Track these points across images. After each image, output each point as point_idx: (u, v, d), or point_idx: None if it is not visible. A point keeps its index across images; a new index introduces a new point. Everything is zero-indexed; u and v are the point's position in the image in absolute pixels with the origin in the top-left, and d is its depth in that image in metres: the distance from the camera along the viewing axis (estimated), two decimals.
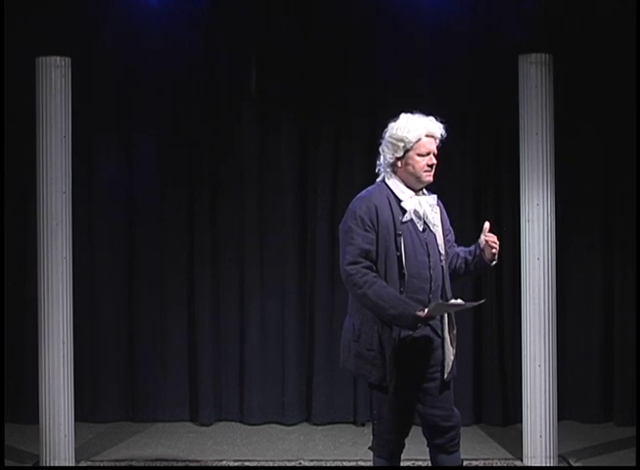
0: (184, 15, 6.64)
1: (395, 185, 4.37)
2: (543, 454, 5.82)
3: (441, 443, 4.39)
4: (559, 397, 5.92)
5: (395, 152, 4.35)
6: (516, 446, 6.09)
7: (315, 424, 6.83)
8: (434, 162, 4.34)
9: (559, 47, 5.97)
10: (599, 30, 6.58)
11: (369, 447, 4.46)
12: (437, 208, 4.43)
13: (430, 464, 4.53)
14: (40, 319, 5.82)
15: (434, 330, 4.32)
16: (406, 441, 4.41)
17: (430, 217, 4.35)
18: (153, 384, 6.90)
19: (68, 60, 5.85)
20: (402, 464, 4.52)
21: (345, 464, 6.00)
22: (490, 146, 6.81)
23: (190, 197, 6.90)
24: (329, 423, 6.82)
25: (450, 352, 4.34)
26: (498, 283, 6.77)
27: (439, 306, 4.19)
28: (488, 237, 4.31)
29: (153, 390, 6.90)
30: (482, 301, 4.40)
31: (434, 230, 4.35)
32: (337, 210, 6.87)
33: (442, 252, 4.35)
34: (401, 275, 4.23)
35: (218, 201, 6.90)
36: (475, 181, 6.84)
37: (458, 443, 4.44)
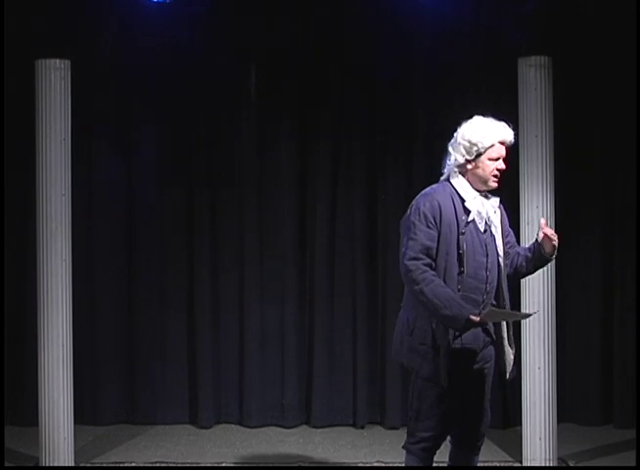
0: (183, 17, 6.63)
1: (460, 185, 4.40)
2: (543, 457, 5.83)
3: (466, 442, 4.50)
4: (558, 399, 5.92)
5: (467, 154, 4.37)
6: (515, 448, 6.08)
7: (315, 427, 6.82)
8: (503, 167, 4.40)
9: (558, 50, 5.97)
10: (598, 33, 6.58)
11: (402, 446, 4.50)
12: (499, 210, 4.49)
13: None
14: (40, 321, 5.82)
15: (485, 330, 4.38)
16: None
17: (492, 219, 4.41)
18: (152, 386, 6.90)
19: (67, 62, 5.85)
20: None
21: (345, 466, 6.00)
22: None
23: (189, 199, 6.91)
24: (328, 426, 6.82)
25: (509, 352, 4.43)
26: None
27: (493, 313, 4.24)
28: (547, 231, 4.37)
29: (152, 392, 6.90)
30: (536, 312, 4.49)
31: (494, 232, 4.41)
32: (336, 211, 6.89)
33: (501, 253, 4.42)
34: (460, 273, 4.28)
35: (218, 203, 6.90)
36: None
37: (480, 446, 4.55)
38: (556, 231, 5.84)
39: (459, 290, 4.26)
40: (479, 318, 4.16)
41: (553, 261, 5.76)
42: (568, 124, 6.53)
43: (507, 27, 6.08)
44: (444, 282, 4.24)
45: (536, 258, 4.46)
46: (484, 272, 4.34)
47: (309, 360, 6.90)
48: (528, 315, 4.38)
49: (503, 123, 4.42)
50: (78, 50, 6.11)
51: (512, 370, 4.47)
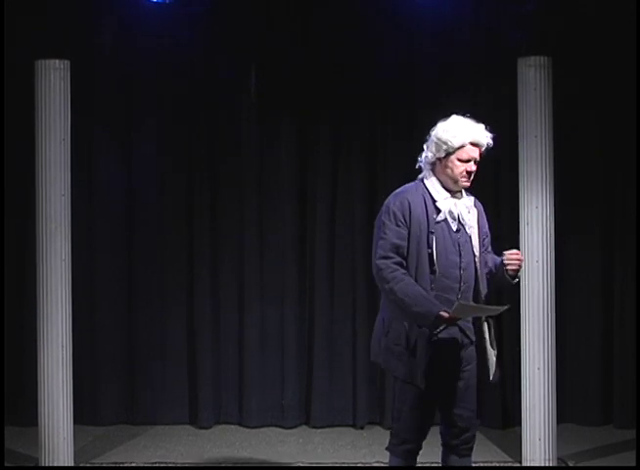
0: (183, 17, 6.63)
1: (432, 185, 4.40)
2: (542, 457, 5.82)
3: (455, 444, 4.44)
4: (558, 399, 5.92)
5: (437, 152, 4.37)
6: (515, 448, 6.08)
7: (314, 427, 6.82)
8: (474, 169, 4.37)
9: (558, 50, 5.97)
10: (598, 33, 6.58)
11: (386, 448, 4.48)
12: (475, 210, 4.45)
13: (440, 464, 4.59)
14: (39, 322, 5.82)
15: (462, 331, 4.34)
16: (428, 445, 4.45)
17: (465, 219, 4.38)
18: (152, 386, 6.90)
19: (67, 63, 5.85)
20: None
21: (345, 467, 6.00)
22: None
23: (189, 199, 6.91)
24: (328, 426, 6.81)
25: (492, 354, 4.37)
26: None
27: (463, 308, 4.20)
28: (509, 254, 4.32)
29: (152, 392, 6.90)
30: (507, 306, 4.35)
31: (469, 231, 4.38)
32: (336, 211, 6.89)
33: (477, 253, 4.38)
34: (432, 272, 4.27)
35: (218, 202, 6.91)
36: (473, 183, 6.81)
37: (472, 447, 4.49)
38: (555, 231, 5.90)
39: (432, 289, 4.25)
40: (449, 315, 4.13)
41: (552, 261, 5.85)
42: (567, 125, 6.52)
43: (507, 27, 6.08)
44: (416, 281, 4.24)
45: (499, 276, 4.40)
46: (458, 271, 4.31)
47: (309, 361, 6.90)
48: (500, 310, 4.26)
49: (480, 125, 4.37)
50: (78, 50, 6.11)
51: (495, 372, 4.39)
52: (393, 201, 4.36)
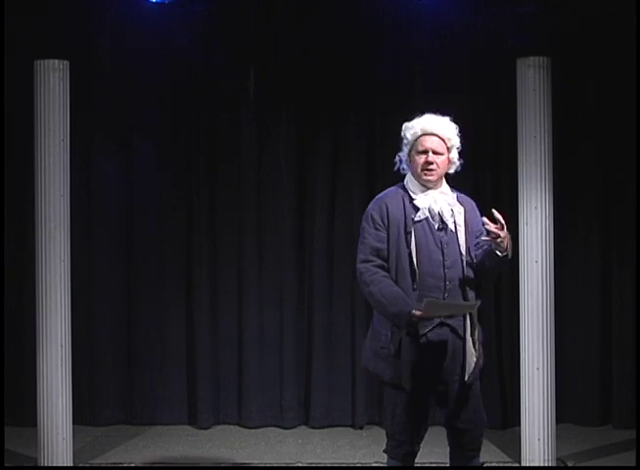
0: (183, 18, 6.64)
1: (410, 183, 4.43)
2: (541, 457, 5.82)
3: (459, 445, 4.44)
4: (557, 399, 5.92)
5: (405, 151, 4.43)
6: (514, 449, 6.08)
7: (313, 427, 6.82)
8: (432, 160, 4.34)
9: (557, 50, 5.98)
10: (597, 33, 6.58)
11: (383, 450, 4.48)
12: (461, 207, 4.41)
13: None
14: (38, 322, 5.81)
15: (454, 331, 4.32)
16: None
17: (447, 216, 4.35)
18: (151, 387, 6.90)
19: (66, 63, 5.85)
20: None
21: (344, 467, 6.00)
22: (489, 149, 6.81)
23: (188, 200, 6.91)
24: (327, 426, 6.81)
25: (471, 354, 4.31)
26: (496, 286, 6.76)
27: (433, 306, 4.18)
28: (489, 226, 4.21)
29: (151, 393, 6.90)
30: (478, 302, 4.33)
31: (454, 229, 4.33)
32: (335, 212, 6.89)
33: (464, 252, 4.34)
34: (412, 273, 4.27)
35: (217, 204, 6.90)
36: (473, 184, 6.83)
37: (477, 447, 4.48)
38: (554, 231, 5.90)
39: (415, 289, 4.26)
40: (420, 313, 4.14)
41: (551, 262, 5.85)
42: (566, 125, 6.53)
43: (506, 28, 6.09)
44: (397, 282, 4.27)
45: (489, 253, 4.29)
46: (442, 270, 4.30)
47: (308, 361, 6.89)
48: (473, 306, 4.25)
49: (436, 116, 4.40)
50: (77, 51, 6.12)
51: (472, 373, 4.32)
52: (372, 206, 4.45)
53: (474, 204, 4.52)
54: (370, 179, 6.89)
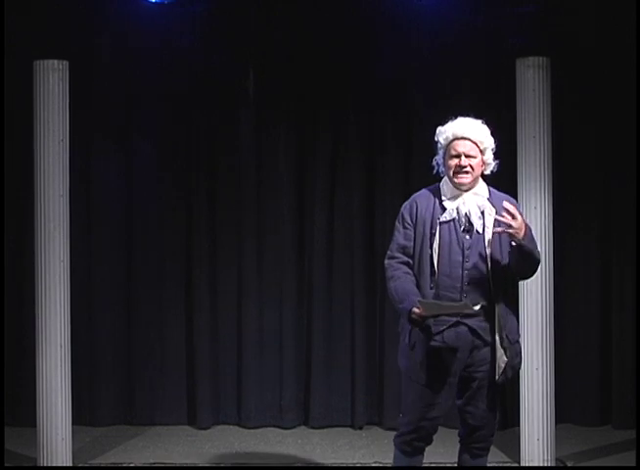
0: (183, 18, 6.64)
1: (444, 185, 4.49)
2: (541, 458, 5.82)
3: (469, 442, 4.53)
4: (556, 399, 5.92)
5: (440, 154, 4.50)
6: (513, 449, 6.07)
7: (313, 427, 6.82)
8: (465, 163, 4.38)
9: (556, 50, 5.97)
10: (597, 33, 6.58)
11: (393, 440, 4.56)
12: (493, 208, 4.41)
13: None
14: (38, 322, 5.82)
15: (473, 331, 4.35)
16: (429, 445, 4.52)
17: (474, 218, 4.38)
18: (150, 387, 6.90)
19: (65, 63, 5.85)
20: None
21: (343, 467, 6.00)
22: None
23: (188, 200, 6.91)
24: (327, 426, 6.81)
25: (501, 355, 4.35)
26: None
27: (428, 306, 4.27)
28: (499, 218, 4.26)
29: (150, 393, 6.90)
30: (478, 306, 4.35)
31: (482, 231, 4.35)
32: (335, 213, 6.88)
33: (487, 253, 4.35)
34: (432, 272, 4.35)
35: (217, 204, 6.90)
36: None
37: (485, 447, 4.55)
38: (554, 231, 5.90)
39: (432, 288, 4.34)
40: (419, 311, 4.24)
41: (551, 262, 5.85)
42: (566, 125, 6.53)
43: (506, 28, 6.08)
44: (418, 279, 4.37)
45: (512, 246, 4.32)
46: (460, 271, 4.34)
47: (307, 361, 6.89)
48: (463, 307, 4.26)
49: (468, 120, 4.43)
50: (77, 51, 6.12)
51: (502, 374, 4.38)
52: (405, 204, 4.56)
53: (513, 203, 4.49)
54: (370, 179, 6.89)
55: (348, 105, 6.87)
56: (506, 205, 4.26)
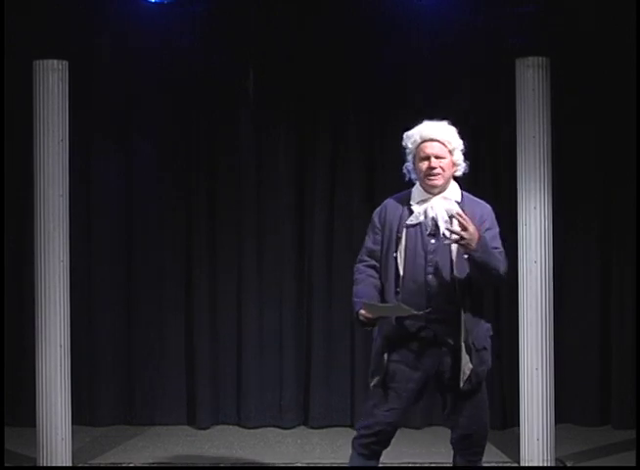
0: (183, 18, 6.64)
1: (415, 190, 4.48)
2: (540, 458, 5.82)
3: (459, 448, 4.49)
4: (556, 400, 5.91)
5: (409, 159, 4.47)
6: (513, 449, 6.07)
7: (312, 427, 6.83)
8: (435, 165, 4.34)
9: (556, 50, 5.97)
10: (597, 33, 6.58)
11: (352, 442, 4.53)
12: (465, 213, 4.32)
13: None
14: (37, 322, 5.81)
15: (436, 336, 4.30)
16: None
17: (441, 222, 4.31)
18: (150, 387, 6.90)
19: (65, 63, 5.85)
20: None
21: (343, 467, 5.99)
22: (488, 149, 6.80)
23: (188, 200, 6.91)
24: (326, 426, 6.82)
25: (466, 361, 4.27)
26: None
27: (373, 308, 4.29)
28: (449, 228, 4.18)
29: (150, 393, 6.90)
30: (422, 312, 4.23)
31: (449, 235, 4.20)
32: (334, 213, 6.88)
33: (453, 258, 4.27)
34: (397, 276, 4.33)
35: (217, 204, 6.91)
36: (472, 184, 6.80)
37: (477, 452, 4.49)
38: (554, 232, 5.90)
39: (397, 293, 4.31)
40: (364, 312, 4.28)
41: (550, 262, 5.85)
42: (566, 125, 6.53)
43: (506, 28, 6.08)
44: (384, 283, 4.36)
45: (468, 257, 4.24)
46: (424, 276, 4.29)
47: (307, 361, 6.90)
48: (404, 310, 4.19)
49: (434, 121, 4.41)
50: (77, 51, 6.12)
51: (467, 381, 4.26)
52: (376, 209, 4.55)
53: (485, 210, 4.43)
54: (370, 179, 6.89)
55: (348, 105, 6.88)
56: (457, 213, 4.15)
